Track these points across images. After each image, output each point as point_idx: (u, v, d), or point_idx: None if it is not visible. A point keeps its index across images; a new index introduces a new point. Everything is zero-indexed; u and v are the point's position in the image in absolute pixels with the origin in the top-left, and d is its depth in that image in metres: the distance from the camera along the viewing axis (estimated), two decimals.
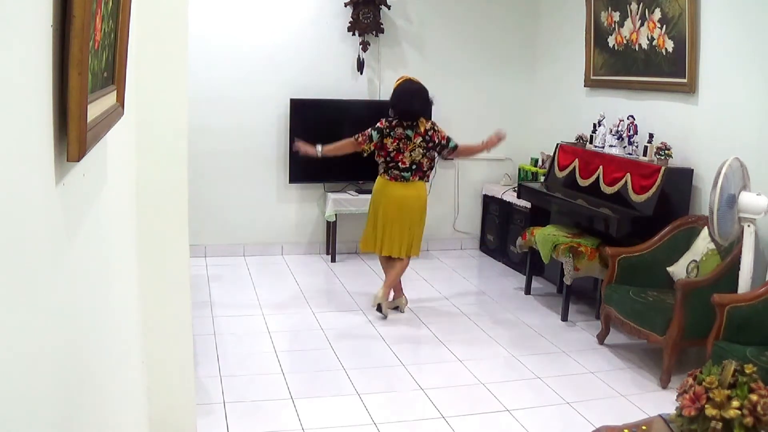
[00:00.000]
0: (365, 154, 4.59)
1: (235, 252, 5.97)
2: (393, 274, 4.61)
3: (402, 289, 4.79)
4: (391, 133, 4.45)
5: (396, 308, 4.75)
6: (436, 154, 4.56)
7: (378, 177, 4.60)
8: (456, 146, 4.58)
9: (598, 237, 4.64)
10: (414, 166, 4.47)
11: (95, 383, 1.46)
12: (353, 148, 4.54)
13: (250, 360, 3.88)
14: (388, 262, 4.68)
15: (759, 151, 3.83)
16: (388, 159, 4.48)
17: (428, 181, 4.63)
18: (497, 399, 3.51)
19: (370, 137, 4.48)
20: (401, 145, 4.44)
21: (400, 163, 4.46)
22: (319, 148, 4.55)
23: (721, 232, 3.36)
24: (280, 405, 3.35)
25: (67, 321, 1.18)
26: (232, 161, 5.84)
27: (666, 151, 4.38)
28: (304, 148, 4.56)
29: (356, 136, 4.51)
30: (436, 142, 4.49)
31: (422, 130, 4.47)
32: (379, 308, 4.56)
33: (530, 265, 5.22)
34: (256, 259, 5.93)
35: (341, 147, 4.56)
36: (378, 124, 4.50)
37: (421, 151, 4.46)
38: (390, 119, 4.49)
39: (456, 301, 5.03)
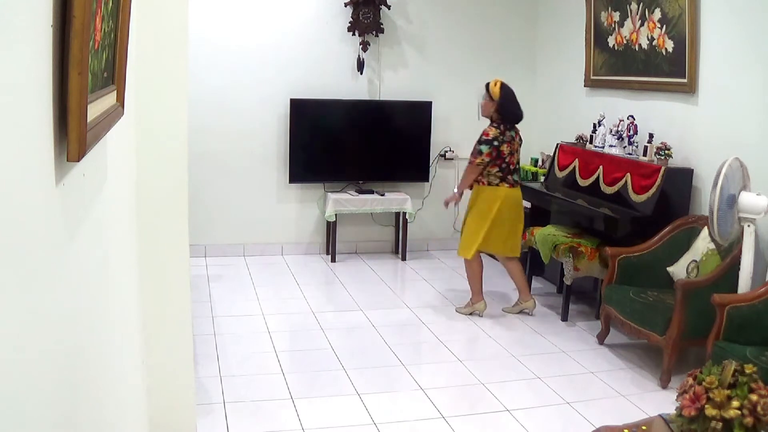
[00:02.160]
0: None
1: (235, 252, 5.97)
2: (521, 277, 4.76)
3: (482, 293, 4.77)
4: (504, 138, 4.46)
5: (472, 313, 4.75)
6: None
7: (491, 188, 4.50)
8: None
9: (598, 237, 4.64)
10: (518, 166, 4.62)
11: (95, 383, 1.46)
12: (475, 172, 4.50)
13: (250, 360, 3.88)
14: (511, 269, 4.75)
15: (759, 151, 3.83)
16: (503, 166, 4.48)
17: None
18: (497, 399, 3.51)
19: (480, 152, 4.43)
20: (512, 148, 4.51)
21: (511, 165, 4.52)
22: (455, 190, 4.75)
23: (721, 232, 3.36)
24: (280, 405, 3.36)
25: (67, 321, 1.18)
26: (232, 161, 5.84)
27: (666, 151, 4.38)
28: (448, 199, 4.79)
29: (470, 160, 4.52)
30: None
31: (517, 128, 4.59)
32: (529, 311, 4.79)
33: (530, 265, 5.22)
34: (256, 259, 5.93)
35: (468, 177, 4.56)
36: (484, 136, 4.45)
37: (519, 149, 4.60)
38: (496, 125, 4.47)
39: (456, 301, 5.02)
